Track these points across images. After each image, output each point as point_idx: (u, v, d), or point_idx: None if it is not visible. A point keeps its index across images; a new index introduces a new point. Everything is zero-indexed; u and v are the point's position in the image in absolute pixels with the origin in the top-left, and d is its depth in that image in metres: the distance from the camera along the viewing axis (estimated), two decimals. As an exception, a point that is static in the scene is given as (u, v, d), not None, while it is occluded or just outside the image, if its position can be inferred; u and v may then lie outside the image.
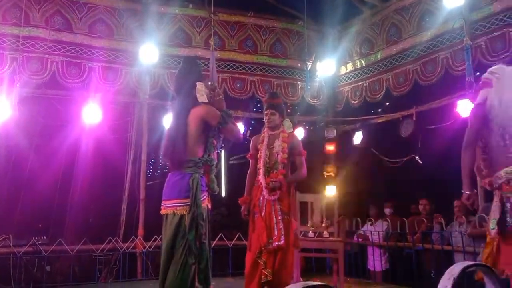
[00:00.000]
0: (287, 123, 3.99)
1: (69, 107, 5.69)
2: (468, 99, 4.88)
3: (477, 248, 4.52)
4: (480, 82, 3.02)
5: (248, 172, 4.00)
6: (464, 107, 4.98)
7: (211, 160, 2.97)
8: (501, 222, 2.63)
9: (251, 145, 4.05)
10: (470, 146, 2.82)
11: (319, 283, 1.05)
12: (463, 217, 5.02)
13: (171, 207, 2.85)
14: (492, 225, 2.68)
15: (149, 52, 5.76)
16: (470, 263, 1.34)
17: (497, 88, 2.83)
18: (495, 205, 2.70)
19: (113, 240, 5.55)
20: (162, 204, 2.93)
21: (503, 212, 2.64)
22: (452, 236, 5.07)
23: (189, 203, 2.79)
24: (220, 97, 3.18)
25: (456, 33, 5.17)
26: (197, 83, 3.02)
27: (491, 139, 2.77)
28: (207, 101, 3.03)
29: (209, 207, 2.98)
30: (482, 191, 4.33)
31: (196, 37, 6.28)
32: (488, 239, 2.81)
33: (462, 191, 2.82)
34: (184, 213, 2.79)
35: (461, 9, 5.00)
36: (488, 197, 3.70)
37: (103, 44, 5.80)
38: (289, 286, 0.99)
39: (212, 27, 6.10)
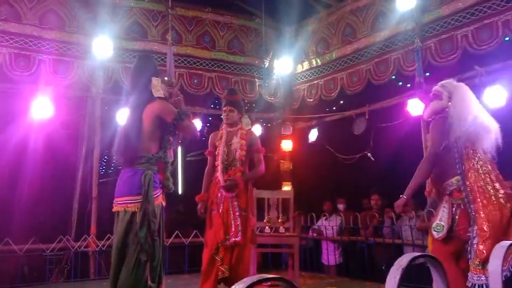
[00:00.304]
0: (246, 120, 4.01)
1: (17, 101, 5.42)
2: (417, 99, 5.10)
3: (425, 241, 4.74)
4: (431, 94, 3.22)
5: (206, 169, 3.99)
6: (413, 106, 5.20)
7: (166, 157, 2.92)
8: (449, 228, 2.82)
9: (209, 142, 4.04)
10: (435, 159, 2.94)
11: (274, 275, 1.08)
12: (412, 212, 5.25)
13: (122, 204, 2.80)
14: (439, 229, 2.86)
15: (103, 45, 5.59)
16: (417, 254, 1.42)
17: (453, 102, 3.03)
18: (445, 211, 2.88)
19: (64, 239, 5.37)
20: (114, 201, 2.87)
21: (452, 219, 2.83)
22: (402, 230, 5.29)
23: (140, 200, 2.74)
24: (179, 98, 3.15)
25: (407, 35, 5.37)
26: (153, 78, 2.97)
27: (444, 150, 2.94)
28: (163, 96, 2.99)
29: (164, 204, 2.94)
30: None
31: (152, 31, 6.16)
32: (429, 239, 2.98)
33: (402, 195, 2.98)
34: (136, 210, 2.74)
35: (413, 12, 5.20)
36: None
37: (54, 36, 5.57)
38: (245, 279, 1.01)
39: (169, 22, 6.01)
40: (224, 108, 3.94)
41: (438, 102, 3.12)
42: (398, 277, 1.19)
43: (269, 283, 4.28)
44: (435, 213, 2.99)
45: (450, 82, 3.20)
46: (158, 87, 2.96)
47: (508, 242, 1.62)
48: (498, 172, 2.92)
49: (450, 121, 2.96)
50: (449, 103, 3.07)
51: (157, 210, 2.81)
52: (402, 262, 1.25)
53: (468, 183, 2.81)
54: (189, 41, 6.40)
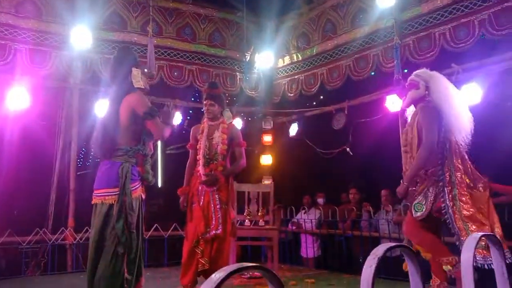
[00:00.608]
0: (227, 113, 4.02)
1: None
2: (396, 95, 5.18)
3: (401, 234, 4.84)
4: (407, 84, 3.29)
5: (188, 163, 3.99)
6: (391, 102, 5.29)
7: (145, 150, 2.91)
8: (429, 211, 3.00)
9: (191, 135, 4.03)
10: (433, 147, 3.05)
11: (254, 264, 1.10)
12: (390, 205, 5.35)
13: (100, 197, 2.80)
14: (419, 208, 3.02)
15: (81, 36, 5.48)
16: (393, 244, 1.46)
17: (431, 91, 3.13)
18: (429, 195, 3.04)
19: (41, 232, 5.30)
20: (93, 194, 2.87)
21: (433, 203, 3.01)
22: (379, 223, 5.39)
23: (118, 192, 2.74)
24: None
25: (387, 32, 5.44)
26: (133, 68, 2.95)
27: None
28: (143, 87, 2.97)
29: (143, 197, 2.93)
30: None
31: (132, 22, 6.08)
32: (408, 218, 3.14)
33: (404, 182, 3.12)
34: (113, 202, 2.74)
35: (392, 9, 5.27)
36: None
37: (31, 25, 5.43)
38: (226, 267, 1.03)
39: (150, 13, 5.94)
40: (204, 102, 3.93)
41: (416, 91, 3.21)
42: (374, 266, 1.23)
43: (248, 274, 4.34)
44: (416, 193, 3.12)
45: (424, 71, 3.29)
46: (138, 78, 2.95)
47: (479, 234, 1.69)
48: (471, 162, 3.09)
49: (437, 109, 3.08)
50: (426, 92, 3.15)
51: (135, 202, 2.81)
52: (378, 251, 1.29)
53: (452, 170, 2.97)
54: (169, 33, 6.33)
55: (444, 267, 2.92)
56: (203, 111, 3.98)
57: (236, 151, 3.95)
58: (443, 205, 2.95)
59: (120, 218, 2.71)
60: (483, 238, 1.85)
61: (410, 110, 3.45)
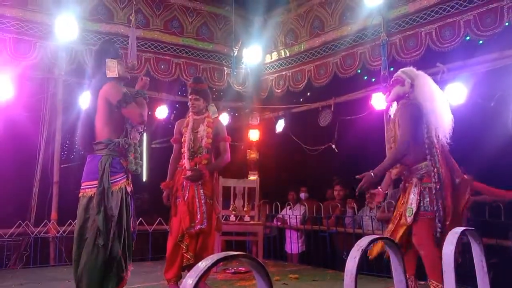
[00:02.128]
0: (212, 108, 4.01)
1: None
2: (381, 93, 5.23)
3: (385, 231, 4.89)
4: (393, 80, 3.32)
5: (172, 157, 3.98)
6: (377, 100, 5.33)
7: (127, 141, 2.90)
8: (416, 211, 2.97)
9: (175, 129, 4.03)
10: (407, 148, 3.03)
11: (240, 252, 1.11)
12: (373, 202, 5.40)
13: (82, 190, 2.83)
14: (410, 213, 2.99)
15: (67, 26, 5.40)
16: (376, 236, 1.48)
17: (416, 90, 3.16)
18: (413, 196, 3.01)
19: (23, 224, 5.23)
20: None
21: (420, 199, 2.98)
22: (363, 220, 5.44)
23: (97, 185, 2.76)
24: (145, 80, 3.15)
25: (374, 30, 5.48)
26: (107, 59, 2.93)
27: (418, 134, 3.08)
28: (116, 76, 2.95)
29: (128, 189, 2.92)
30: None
31: (119, 13, 6.01)
32: (402, 222, 3.09)
33: (373, 172, 3.02)
34: (92, 195, 2.77)
35: (380, 7, 5.31)
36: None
37: (15, 14, 5.33)
38: (211, 255, 1.04)
39: (133, 4, 5.86)
40: (189, 97, 3.93)
41: (401, 88, 3.25)
42: (358, 257, 1.24)
43: (233, 269, 4.36)
44: (403, 200, 3.11)
45: (410, 69, 3.34)
46: (113, 68, 2.93)
47: (461, 228, 1.72)
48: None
49: (419, 107, 3.11)
50: (411, 90, 3.20)
51: (117, 194, 2.79)
52: (361, 243, 1.31)
53: (438, 168, 2.98)
54: (157, 26, 6.27)
55: None
56: (189, 105, 3.97)
57: (221, 146, 3.95)
58: (428, 201, 2.96)
59: (100, 211, 2.73)
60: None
61: (394, 108, 3.49)
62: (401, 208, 3.11)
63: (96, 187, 2.76)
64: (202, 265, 0.97)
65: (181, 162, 3.86)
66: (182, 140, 3.90)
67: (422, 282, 4.16)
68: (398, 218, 3.10)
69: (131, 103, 2.86)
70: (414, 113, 3.09)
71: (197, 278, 0.94)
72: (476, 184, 3.49)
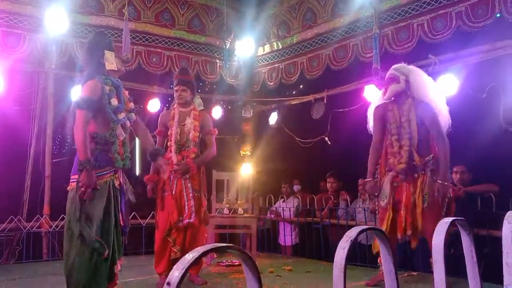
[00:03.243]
0: (198, 100, 3.97)
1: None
2: (374, 85, 5.23)
3: (377, 223, 4.92)
4: (387, 78, 3.34)
5: (156, 149, 3.95)
6: (370, 92, 5.33)
7: (111, 135, 2.86)
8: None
9: (159, 121, 3.99)
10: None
11: (227, 244, 1.11)
12: (366, 194, 5.41)
13: (70, 183, 2.80)
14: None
15: (57, 19, 5.34)
16: (365, 227, 1.49)
17: (413, 86, 3.28)
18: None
19: (15, 219, 5.20)
20: None
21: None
22: (356, 212, 5.46)
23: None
24: None
25: (366, 22, 5.46)
26: (106, 51, 2.91)
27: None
28: (115, 69, 2.93)
29: (116, 183, 2.89)
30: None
31: (109, 5, 5.94)
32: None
33: (438, 179, 3.29)
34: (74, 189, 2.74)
35: (372, -1, 5.30)
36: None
37: (4, 6, 5.26)
38: (199, 247, 1.03)
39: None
40: (176, 88, 3.88)
41: (397, 85, 3.28)
42: (346, 248, 1.24)
43: (227, 262, 4.36)
44: (413, 190, 3.35)
45: (403, 66, 3.37)
46: (111, 60, 2.91)
47: (451, 218, 1.73)
48: None
49: (415, 102, 3.19)
50: (407, 86, 3.23)
51: (102, 188, 2.77)
52: (351, 234, 1.31)
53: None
54: (148, 18, 6.22)
55: None
56: (175, 97, 3.93)
57: (207, 139, 3.91)
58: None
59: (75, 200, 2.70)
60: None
61: (371, 109, 3.60)
62: (410, 198, 3.32)
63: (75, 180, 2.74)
64: (189, 257, 0.97)
65: (167, 155, 3.77)
66: (169, 133, 3.86)
67: (415, 273, 4.21)
68: (409, 207, 3.32)
69: (83, 110, 2.74)
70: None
71: (183, 270, 0.94)
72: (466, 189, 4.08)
